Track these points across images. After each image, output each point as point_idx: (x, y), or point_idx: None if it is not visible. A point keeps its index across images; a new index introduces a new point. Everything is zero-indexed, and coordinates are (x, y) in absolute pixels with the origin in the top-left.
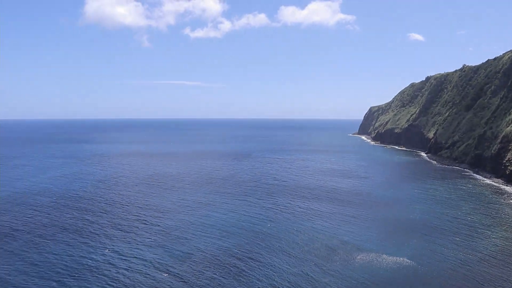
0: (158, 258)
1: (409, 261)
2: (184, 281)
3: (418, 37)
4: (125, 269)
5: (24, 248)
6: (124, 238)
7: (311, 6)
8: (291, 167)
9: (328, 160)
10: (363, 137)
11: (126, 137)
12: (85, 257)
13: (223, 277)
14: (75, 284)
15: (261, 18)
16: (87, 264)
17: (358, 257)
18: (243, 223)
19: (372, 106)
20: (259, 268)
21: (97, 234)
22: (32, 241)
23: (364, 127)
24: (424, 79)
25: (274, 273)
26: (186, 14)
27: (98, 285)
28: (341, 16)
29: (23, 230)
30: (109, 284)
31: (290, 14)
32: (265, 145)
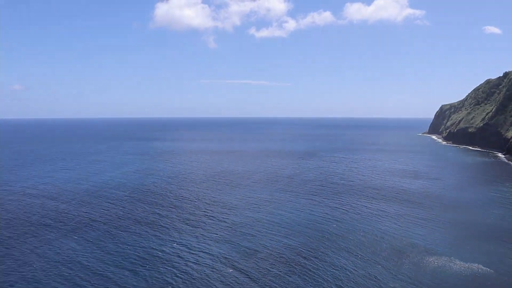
0: (225, 253)
1: (485, 269)
2: (250, 277)
3: (494, 30)
4: (193, 262)
5: (101, 238)
6: (193, 232)
7: (378, 2)
8: (358, 167)
9: (397, 160)
10: (434, 137)
11: (194, 135)
12: (155, 249)
13: (288, 275)
14: (147, 274)
15: (326, 16)
16: (157, 256)
17: (429, 261)
18: (309, 222)
19: (443, 104)
20: (325, 268)
21: (167, 227)
22: (108, 231)
23: (435, 126)
24: (501, 75)
25: (341, 274)
26: (251, 14)
27: (168, 276)
28: (410, 11)
29: (100, 221)
30: (178, 276)
31: (356, 11)
32: (331, 144)
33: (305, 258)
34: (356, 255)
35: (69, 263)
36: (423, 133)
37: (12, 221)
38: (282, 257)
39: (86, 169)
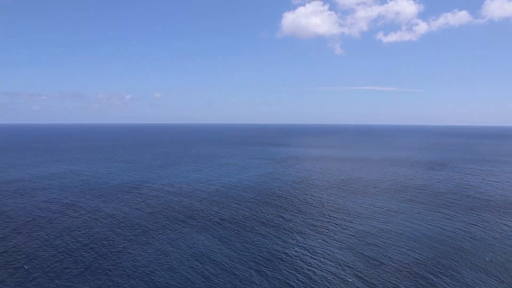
0: (348, 261)
1: None
2: None
3: None
4: (315, 268)
5: (229, 236)
6: (316, 238)
7: None
8: (498, 181)
9: None
10: None
11: (319, 141)
12: (279, 251)
13: None
14: (269, 274)
15: (461, 16)
16: (280, 258)
17: None
18: (439, 236)
19: None
20: None
21: (291, 231)
22: (236, 231)
23: None
24: None
25: None
26: (378, 19)
27: (289, 279)
28: None
29: (228, 220)
30: (299, 280)
31: (497, 8)
32: (465, 155)
33: (433, 274)
34: (496, 277)
35: (199, 257)
36: None
37: (153, 215)
38: (408, 271)
39: (216, 171)
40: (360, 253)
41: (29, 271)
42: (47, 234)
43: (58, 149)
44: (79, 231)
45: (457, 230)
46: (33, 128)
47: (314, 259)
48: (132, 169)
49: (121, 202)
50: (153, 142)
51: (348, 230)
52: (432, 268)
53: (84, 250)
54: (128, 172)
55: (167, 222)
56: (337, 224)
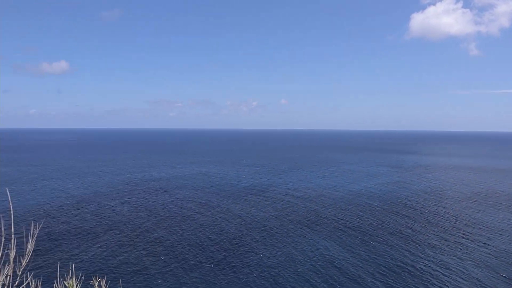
0: (486, 283)
1: None
2: None
3: None
4: (448, 285)
5: (353, 244)
6: (449, 253)
7: None
8: None
9: None
10: None
11: (452, 149)
12: (407, 263)
13: None
14: (396, 286)
15: None
16: (408, 271)
17: None
18: None
19: None
20: None
21: (420, 243)
22: (361, 239)
23: None
24: None
25: None
26: None
27: None
28: None
29: (353, 228)
30: None
31: None
32: None
33: None
34: None
35: (323, 263)
36: None
37: (278, 218)
38: None
39: (341, 177)
40: (501, 275)
41: (166, 262)
42: (182, 230)
43: (191, 153)
44: (210, 229)
45: None
46: (170, 132)
47: (446, 276)
48: (258, 173)
49: (248, 204)
50: (277, 147)
51: (486, 248)
52: None
53: (214, 247)
54: (255, 175)
55: (292, 226)
56: (473, 240)
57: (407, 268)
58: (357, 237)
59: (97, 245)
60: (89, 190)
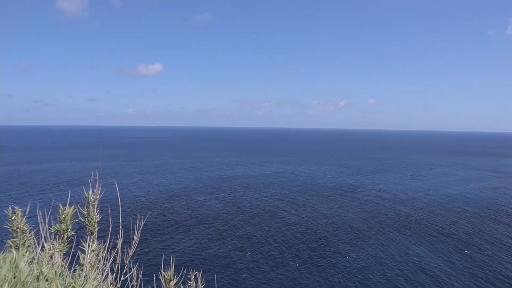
0: None
1: None
2: None
3: None
4: None
5: (446, 251)
6: None
7: None
8: None
9: None
10: None
11: None
12: (509, 277)
13: None
14: None
15: None
16: (510, 285)
17: None
18: None
19: None
20: None
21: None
22: (454, 246)
23: None
24: None
25: None
26: None
27: None
28: None
29: (446, 234)
30: None
31: None
32: None
33: None
34: None
35: (413, 268)
36: None
37: (366, 220)
38: None
39: (433, 180)
40: None
41: (252, 257)
42: (269, 227)
43: (277, 151)
44: (296, 227)
45: None
46: (257, 131)
47: None
48: (345, 173)
49: (335, 204)
50: (364, 147)
51: None
52: None
53: (300, 246)
54: (342, 175)
55: (380, 228)
56: None
57: (510, 283)
58: (450, 244)
59: (188, 237)
60: (181, 185)
